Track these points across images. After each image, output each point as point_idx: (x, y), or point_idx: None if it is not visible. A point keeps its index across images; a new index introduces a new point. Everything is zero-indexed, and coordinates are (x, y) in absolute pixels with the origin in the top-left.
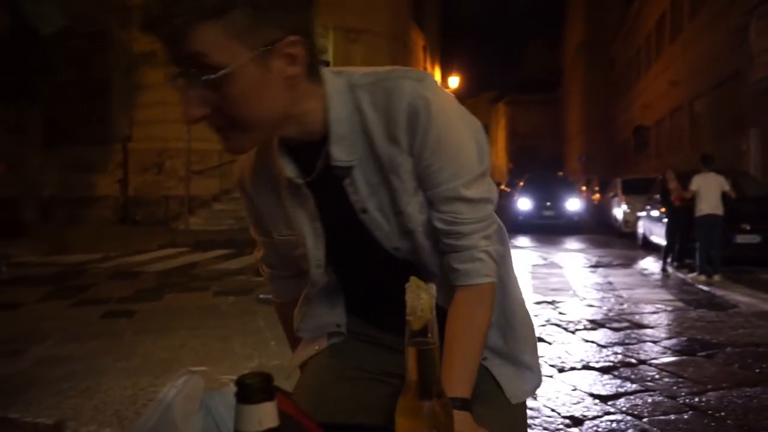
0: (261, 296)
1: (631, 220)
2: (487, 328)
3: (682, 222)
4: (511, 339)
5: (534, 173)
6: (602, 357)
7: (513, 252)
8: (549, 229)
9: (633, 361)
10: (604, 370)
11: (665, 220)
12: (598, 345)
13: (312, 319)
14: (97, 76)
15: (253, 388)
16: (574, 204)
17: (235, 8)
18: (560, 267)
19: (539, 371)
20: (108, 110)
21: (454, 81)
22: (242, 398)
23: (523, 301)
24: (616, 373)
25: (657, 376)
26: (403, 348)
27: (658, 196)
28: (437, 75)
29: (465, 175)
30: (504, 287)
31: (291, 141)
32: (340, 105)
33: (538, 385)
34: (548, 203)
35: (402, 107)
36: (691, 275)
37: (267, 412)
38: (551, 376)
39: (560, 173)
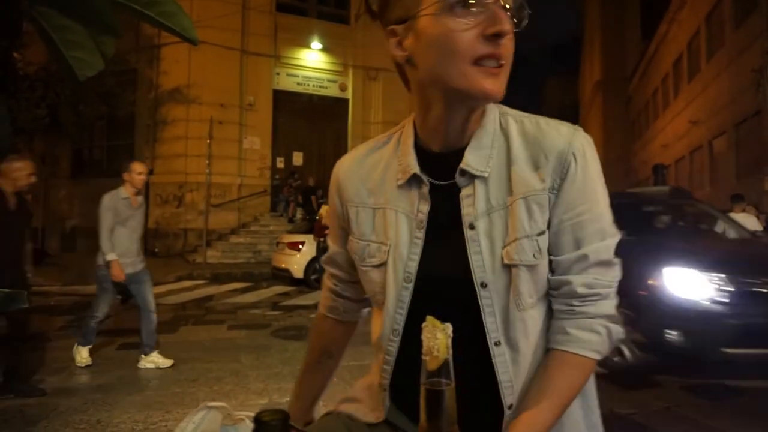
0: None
1: None
2: (571, 400)
3: None
4: None
5: None
6: None
7: None
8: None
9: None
10: None
11: None
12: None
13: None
14: (123, 111)
15: (271, 426)
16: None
17: None
18: None
19: None
20: (132, 144)
21: None
22: None
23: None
24: None
25: None
26: None
27: None
28: None
29: (609, 237)
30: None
31: (426, 150)
32: (489, 119)
33: None
34: None
35: (556, 145)
36: None
37: None
38: None
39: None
